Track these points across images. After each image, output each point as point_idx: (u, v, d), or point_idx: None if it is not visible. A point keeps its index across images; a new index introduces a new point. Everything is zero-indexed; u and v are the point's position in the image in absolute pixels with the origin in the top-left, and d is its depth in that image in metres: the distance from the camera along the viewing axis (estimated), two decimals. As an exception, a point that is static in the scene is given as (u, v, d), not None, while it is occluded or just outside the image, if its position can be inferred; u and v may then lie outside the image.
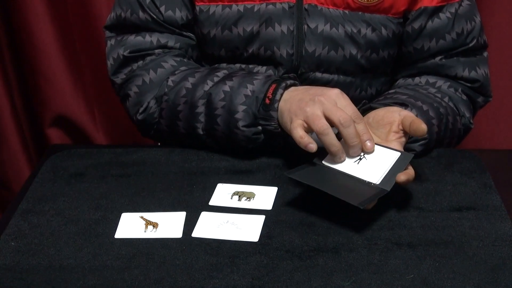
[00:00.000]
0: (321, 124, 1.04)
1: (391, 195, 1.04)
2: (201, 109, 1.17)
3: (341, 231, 0.99)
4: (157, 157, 1.18)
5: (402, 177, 1.02)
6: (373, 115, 1.12)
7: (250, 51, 1.24)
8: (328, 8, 1.22)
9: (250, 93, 1.13)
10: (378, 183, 1.02)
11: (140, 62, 1.24)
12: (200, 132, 1.18)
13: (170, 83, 1.20)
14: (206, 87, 1.17)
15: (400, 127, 1.09)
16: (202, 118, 1.17)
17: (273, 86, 1.13)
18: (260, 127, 1.14)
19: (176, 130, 1.21)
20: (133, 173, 1.14)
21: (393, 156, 1.05)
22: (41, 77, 1.86)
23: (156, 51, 1.24)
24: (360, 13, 1.23)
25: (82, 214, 1.04)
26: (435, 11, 1.25)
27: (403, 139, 1.09)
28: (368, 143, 1.05)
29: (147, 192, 1.09)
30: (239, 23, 1.23)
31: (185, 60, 1.25)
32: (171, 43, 1.25)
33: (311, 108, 1.05)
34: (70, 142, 1.95)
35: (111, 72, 1.27)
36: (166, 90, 1.20)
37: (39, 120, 1.92)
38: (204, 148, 1.19)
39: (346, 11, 1.22)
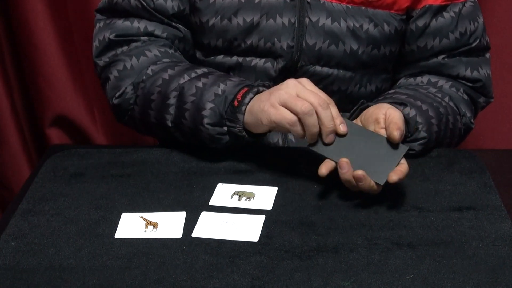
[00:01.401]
0: (280, 116, 1.05)
1: (392, 195, 1.04)
2: (172, 101, 1.16)
3: (341, 231, 0.99)
4: (157, 157, 1.18)
5: (393, 177, 1.02)
6: (365, 112, 1.13)
7: (249, 42, 1.24)
8: (331, 3, 1.22)
9: (220, 92, 1.12)
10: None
11: (125, 48, 1.24)
12: (169, 124, 1.17)
13: (149, 71, 1.20)
14: (181, 81, 1.16)
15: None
16: (172, 110, 1.17)
17: (245, 89, 1.12)
18: (225, 128, 1.12)
19: (147, 119, 1.21)
20: (133, 173, 1.14)
21: (386, 145, 1.05)
22: (41, 77, 1.86)
23: (142, 38, 1.24)
24: (363, 8, 1.23)
25: (82, 214, 1.04)
26: (439, 10, 1.25)
27: None
28: (341, 127, 1.06)
29: (147, 192, 1.09)
30: (239, 13, 1.23)
31: (170, 51, 1.24)
32: (158, 32, 1.25)
33: (269, 108, 1.06)
34: (70, 142, 1.95)
35: (95, 54, 1.27)
36: (144, 78, 1.20)
37: (39, 120, 1.92)
38: (202, 148, 1.19)
39: (350, 6, 1.22)
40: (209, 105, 1.12)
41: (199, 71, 1.18)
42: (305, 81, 1.07)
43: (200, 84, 1.15)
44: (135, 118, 1.23)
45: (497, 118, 1.86)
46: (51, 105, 1.89)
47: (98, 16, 1.29)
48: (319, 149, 1.07)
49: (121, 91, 1.22)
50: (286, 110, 1.04)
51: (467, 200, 1.06)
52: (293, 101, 1.04)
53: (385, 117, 1.09)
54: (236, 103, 1.11)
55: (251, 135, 1.12)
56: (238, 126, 1.11)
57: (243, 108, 1.10)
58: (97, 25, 1.28)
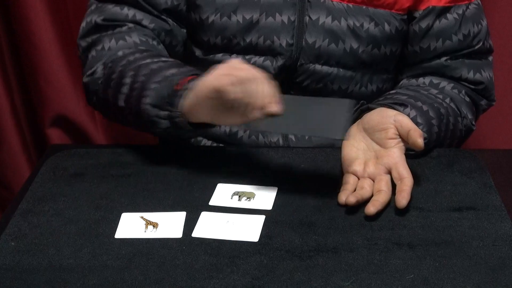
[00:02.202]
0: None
1: (392, 195, 1.04)
2: (127, 80, 1.14)
3: (341, 231, 0.99)
4: (157, 157, 1.18)
5: (403, 201, 1.01)
6: (367, 119, 1.12)
7: (248, 40, 1.24)
8: (332, 1, 1.22)
9: (169, 75, 1.10)
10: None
11: (110, 31, 1.24)
12: (122, 103, 1.15)
13: (120, 53, 1.19)
14: (142, 62, 1.15)
15: (396, 132, 1.08)
16: (125, 89, 1.14)
17: (193, 76, 1.07)
18: (163, 112, 1.09)
19: (107, 98, 1.18)
20: (133, 173, 1.14)
21: (331, 104, 1.02)
22: (41, 77, 1.86)
23: (129, 24, 1.24)
24: (363, 7, 1.23)
25: (82, 214, 1.04)
26: (442, 11, 1.25)
27: (402, 144, 1.08)
28: (274, 106, 0.97)
29: (147, 192, 1.09)
30: (238, 10, 1.22)
31: (151, 42, 1.24)
32: (145, 22, 1.25)
33: (208, 76, 1.02)
34: (70, 142, 1.95)
35: (80, 35, 1.26)
36: (113, 58, 1.19)
37: (39, 120, 1.92)
38: (202, 148, 1.19)
39: (350, 5, 1.22)
40: (153, 85, 1.10)
41: (165, 58, 1.16)
42: (228, 65, 1.03)
43: (155, 66, 1.13)
44: (100, 98, 1.21)
45: (497, 118, 1.86)
46: (51, 105, 1.89)
47: (92, 0, 1.29)
48: (262, 125, 1.01)
49: (92, 69, 1.21)
50: (225, 75, 1.00)
51: (467, 200, 1.06)
52: (235, 69, 1.00)
53: (396, 126, 1.08)
54: (178, 87, 1.07)
55: (197, 125, 1.08)
56: (174, 110, 1.07)
57: (183, 92, 1.06)
58: (89, 8, 1.27)
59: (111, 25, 1.24)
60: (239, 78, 0.98)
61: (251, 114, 0.99)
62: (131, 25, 1.24)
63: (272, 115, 0.98)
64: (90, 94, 1.24)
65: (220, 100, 0.99)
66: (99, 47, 1.23)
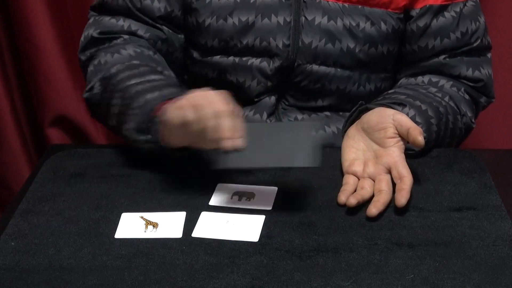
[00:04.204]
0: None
1: (392, 195, 1.04)
2: (114, 101, 1.14)
3: (341, 231, 0.99)
4: (157, 157, 1.18)
5: (402, 200, 1.02)
6: (366, 119, 1.12)
7: (245, 42, 1.24)
8: (327, 1, 1.22)
9: (149, 99, 1.09)
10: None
11: (106, 44, 1.25)
12: (114, 122, 1.16)
13: (113, 70, 1.19)
14: (129, 83, 1.14)
15: (396, 131, 1.08)
16: (113, 110, 1.15)
17: (171, 100, 1.05)
18: (145, 137, 1.09)
19: (103, 115, 1.20)
20: (133, 173, 1.14)
21: (292, 130, 1.03)
22: (41, 77, 1.86)
23: (124, 36, 1.25)
24: (359, 6, 1.23)
25: (82, 214, 1.04)
26: (440, 10, 1.25)
27: (402, 143, 1.08)
28: (239, 141, 0.97)
29: (147, 192, 1.09)
30: (234, 13, 1.23)
31: (146, 52, 1.23)
32: (141, 32, 1.25)
33: (173, 107, 1.02)
34: (70, 142, 1.95)
35: (80, 49, 1.28)
36: (107, 74, 1.19)
37: (39, 120, 1.92)
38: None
39: (346, 5, 1.22)
40: (133, 111, 1.10)
41: (153, 76, 1.15)
42: (196, 96, 1.02)
43: (139, 88, 1.12)
44: (99, 113, 1.22)
45: (497, 118, 1.86)
46: (51, 105, 1.89)
47: (91, 12, 1.30)
48: (230, 162, 1.01)
49: (90, 85, 1.22)
50: (190, 107, 1.00)
51: (467, 200, 1.06)
52: (201, 102, 0.99)
53: (395, 125, 1.08)
54: (154, 113, 1.07)
55: (178, 148, 1.08)
56: (153, 135, 1.07)
57: (159, 119, 1.06)
58: (88, 21, 1.29)
59: (107, 38, 1.25)
60: (199, 114, 0.98)
61: (221, 144, 0.98)
62: (126, 36, 1.25)
63: (235, 150, 0.98)
64: (91, 109, 1.26)
65: (189, 129, 1.00)
66: (96, 62, 1.23)
